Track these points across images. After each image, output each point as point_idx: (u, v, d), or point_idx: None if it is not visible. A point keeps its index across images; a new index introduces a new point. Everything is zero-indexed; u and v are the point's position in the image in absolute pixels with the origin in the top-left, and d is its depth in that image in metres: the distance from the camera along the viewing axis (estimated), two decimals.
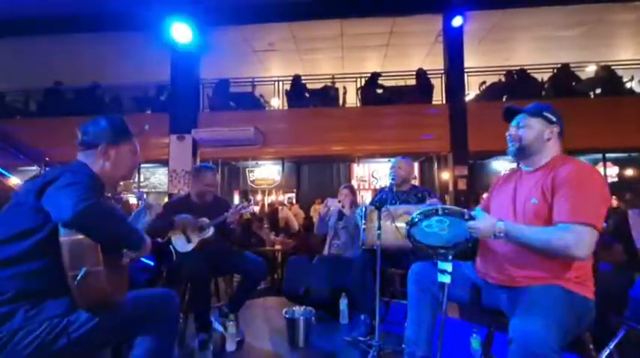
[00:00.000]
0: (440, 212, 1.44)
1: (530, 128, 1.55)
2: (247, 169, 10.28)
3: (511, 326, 1.25)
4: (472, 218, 1.42)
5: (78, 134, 1.41)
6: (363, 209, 2.55)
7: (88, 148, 1.39)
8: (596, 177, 1.42)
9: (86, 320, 1.20)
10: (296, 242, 5.25)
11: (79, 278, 1.14)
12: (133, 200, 6.92)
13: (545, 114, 1.56)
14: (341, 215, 3.29)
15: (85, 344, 1.20)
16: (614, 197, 8.66)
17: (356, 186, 9.95)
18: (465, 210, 1.45)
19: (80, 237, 1.16)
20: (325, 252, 3.40)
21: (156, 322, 1.35)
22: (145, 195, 1.79)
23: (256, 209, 7.88)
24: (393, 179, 2.71)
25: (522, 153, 1.57)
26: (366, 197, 9.45)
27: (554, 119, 1.55)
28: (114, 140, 1.41)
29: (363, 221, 2.50)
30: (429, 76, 7.29)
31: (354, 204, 3.29)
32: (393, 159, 2.98)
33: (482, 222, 1.41)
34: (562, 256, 1.34)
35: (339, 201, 3.25)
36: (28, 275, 1.17)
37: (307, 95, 7.60)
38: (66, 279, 1.16)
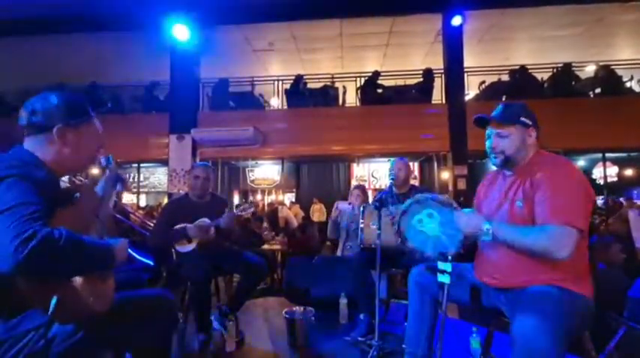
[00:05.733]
0: (430, 198, 1.46)
1: (511, 138, 1.49)
2: (247, 169, 10.28)
3: (513, 329, 1.25)
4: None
5: (22, 114, 1.17)
6: (362, 208, 2.56)
7: (39, 132, 1.15)
8: (574, 176, 1.38)
9: (74, 329, 1.10)
10: (292, 242, 5.24)
11: (51, 309, 0.97)
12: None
13: (522, 119, 1.50)
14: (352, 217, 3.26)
15: (78, 351, 1.12)
16: (613, 196, 8.70)
17: None
18: (454, 202, 1.46)
19: None
20: (339, 253, 3.40)
21: (151, 322, 1.30)
22: (112, 161, 1.48)
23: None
24: (392, 180, 2.71)
25: (508, 164, 1.53)
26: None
27: (530, 122, 1.50)
28: (72, 120, 1.17)
29: (361, 220, 2.51)
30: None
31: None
32: (392, 160, 2.98)
33: (468, 216, 1.41)
34: (542, 257, 1.34)
35: (350, 203, 3.24)
36: None
37: (307, 94, 7.60)
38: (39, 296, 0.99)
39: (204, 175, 2.72)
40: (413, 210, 1.53)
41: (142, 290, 1.58)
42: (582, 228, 1.32)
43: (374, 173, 10.25)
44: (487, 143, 1.57)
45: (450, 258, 1.42)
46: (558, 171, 1.39)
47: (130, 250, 1.29)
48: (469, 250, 1.57)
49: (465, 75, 7.16)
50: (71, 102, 1.20)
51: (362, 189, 3.41)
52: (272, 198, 10.25)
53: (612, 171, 8.63)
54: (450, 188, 6.89)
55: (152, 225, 4.00)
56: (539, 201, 1.38)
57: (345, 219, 3.31)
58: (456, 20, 6.64)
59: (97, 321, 1.13)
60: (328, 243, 4.87)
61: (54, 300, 0.97)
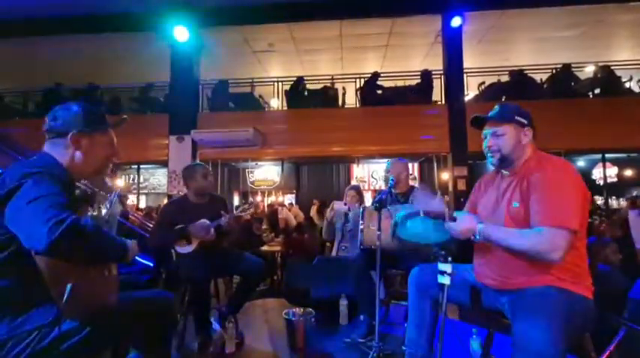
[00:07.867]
0: (421, 215, 1.43)
1: (506, 136, 1.50)
2: (247, 170, 10.27)
3: (513, 330, 1.24)
4: (454, 219, 1.40)
5: (46, 119, 1.28)
6: (362, 209, 2.55)
7: (57, 136, 1.25)
8: (569, 176, 1.38)
9: (78, 327, 1.14)
10: (290, 243, 5.22)
11: (66, 295, 1.06)
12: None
13: (517, 118, 1.51)
14: (347, 217, 3.25)
15: (80, 350, 1.15)
16: (613, 197, 8.71)
17: None
18: (447, 211, 1.43)
19: None
20: (333, 254, 3.39)
21: (152, 323, 1.32)
22: (116, 197, 1.64)
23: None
24: (392, 180, 2.71)
25: (504, 163, 1.53)
26: (366, 197, 9.44)
27: (526, 122, 1.51)
28: (87, 128, 1.26)
29: (361, 221, 2.50)
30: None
31: (360, 205, 3.26)
32: (388, 161, 2.97)
33: (461, 223, 1.40)
34: (536, 258, 1.34)
35: (345, 204, 3.23)
36: (4, 290, 1.09)
37: (307, 95, 7.60)
38: (49, 291, 1.07)
39: (209, 174, 2.73)
40: (404, 221, 1.52)
41: (142, 291, 1.61)
42: (576, 229, 1.31)
43: (374, 174, 10.24)
44: (484, 143, 1.58)
45: (450, 258, 1.42)
46: (554, 171, 1.40)
47: None
48: (467, 250, 1.57)
49: (465, 76, 7.17)
50: (89, 112, 1.30)
51: (357, 189, 3.40)
52: (272, 199, 10.25)
53: (612, 171, 8.63)
54: (450, 189, 6.89)
55: (151, 226, 3.99)
56: (534, 202, 1.38)
57: (340, 220, 3.30)
58: (456, 21, 6.65)
59: (101, 318, 1.18)
60: (328, 244, 4.87)
61: (69, 287, 1.06)
